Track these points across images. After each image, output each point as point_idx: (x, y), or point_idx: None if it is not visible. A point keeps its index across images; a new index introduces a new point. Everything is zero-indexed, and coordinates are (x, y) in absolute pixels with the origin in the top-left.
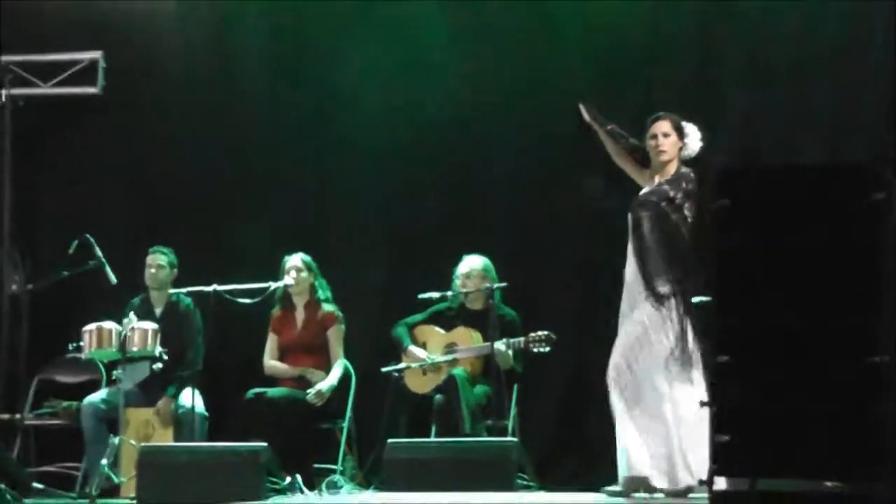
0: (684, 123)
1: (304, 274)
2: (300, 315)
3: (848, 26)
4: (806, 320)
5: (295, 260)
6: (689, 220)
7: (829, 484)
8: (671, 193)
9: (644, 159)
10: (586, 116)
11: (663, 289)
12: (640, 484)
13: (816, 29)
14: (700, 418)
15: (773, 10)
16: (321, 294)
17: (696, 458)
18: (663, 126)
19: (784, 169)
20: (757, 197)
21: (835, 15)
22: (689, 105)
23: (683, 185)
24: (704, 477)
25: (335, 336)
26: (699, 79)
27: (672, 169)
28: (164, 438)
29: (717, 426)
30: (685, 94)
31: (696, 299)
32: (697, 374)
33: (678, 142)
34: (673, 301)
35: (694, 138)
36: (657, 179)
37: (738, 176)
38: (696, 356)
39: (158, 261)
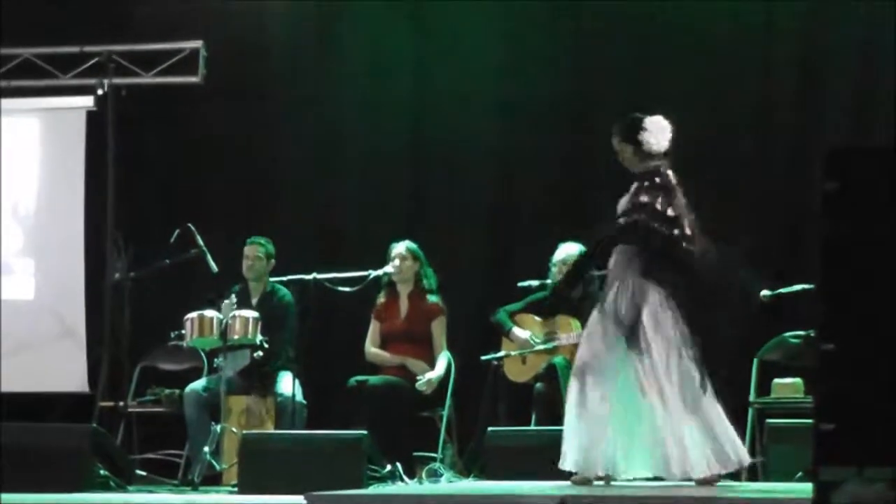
0: (644, 121)
1: (409, 262)
2: (404, 304)
3: None
4: None
5: (400, 248)
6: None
7: None
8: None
9: None
10: None
11: None
12: None
13: None
14: None
15: None
16: (426, 284)
17: None
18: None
19: None
20: (867, 179)
21: None
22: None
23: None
24: None
25: (439, 328)
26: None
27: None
28: (266, 427)
29: (821, 415)
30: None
31: (798, 287)
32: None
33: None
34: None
35: (654, 132)
36: None
37: (847, 157)
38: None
39: (256, 252)
